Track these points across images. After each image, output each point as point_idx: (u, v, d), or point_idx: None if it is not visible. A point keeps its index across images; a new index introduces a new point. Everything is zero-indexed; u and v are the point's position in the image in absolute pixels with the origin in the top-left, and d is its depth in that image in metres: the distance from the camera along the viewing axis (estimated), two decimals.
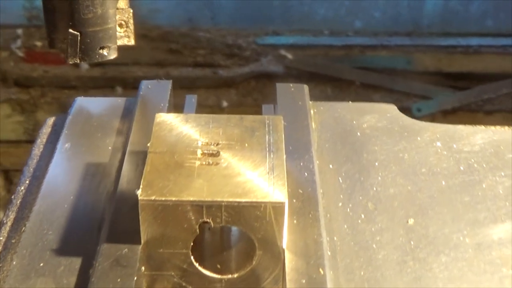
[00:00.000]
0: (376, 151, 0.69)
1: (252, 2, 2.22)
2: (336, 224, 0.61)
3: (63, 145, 0.69)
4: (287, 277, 0.54)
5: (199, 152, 0.59)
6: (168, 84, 0.75)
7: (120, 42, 0.76)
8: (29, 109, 2.19)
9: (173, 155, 0.59)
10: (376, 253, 0.58)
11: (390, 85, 2.13)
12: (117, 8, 0.73)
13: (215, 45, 2.21)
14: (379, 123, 0.73)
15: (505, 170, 0.67)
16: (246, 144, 0.60)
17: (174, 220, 0.55)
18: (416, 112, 2.08)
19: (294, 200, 0.61)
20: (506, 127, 0.72)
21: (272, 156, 0.59)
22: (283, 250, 0.56)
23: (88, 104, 0.75)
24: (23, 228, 0.60)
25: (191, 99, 0.81)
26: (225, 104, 2.16)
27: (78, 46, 0.72)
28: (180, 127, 0.62)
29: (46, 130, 0.73)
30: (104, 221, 0.59)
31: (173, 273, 0.57)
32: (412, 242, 0.59)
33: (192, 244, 0.57)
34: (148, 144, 0.59)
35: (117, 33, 0.75)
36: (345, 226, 0.61)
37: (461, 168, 0.67)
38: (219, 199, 0.54)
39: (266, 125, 0.62)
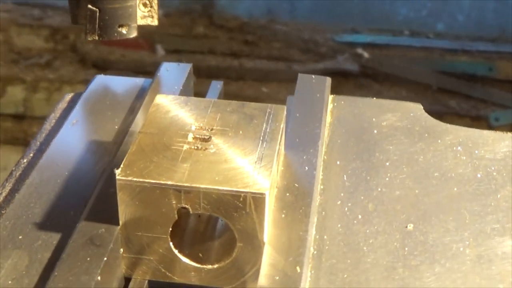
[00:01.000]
0: (389, 151, 0.65)
1: None
2: (330, 223, 0.58)
3: (71, 121, 0.68)
4: (262, 272, 0.52)
5: (190, 136, 0.57)
6: (187, 67, 0.74)
7: (143, 22, 0.75)
8: None
9: (163, 137, 0.57)
10: (366, 256, 0.55)
11: (468, 91, 2.06)
12: None
13: (291, 39, 2.19)
14: (399, 122, 0.69)
15: None
16: (241, 131, 0.58)
17: (152, 203, 0.53)
18: (494, 122, 2.00)
19: (288, 194, 0.58)
20: None
21: (264, 145, 0.56)
22: (264, 244, 0.53)
23: (106, 82, 0.74)
24: (13, 200, 0.59)
25: (216, 86, 0.79)
26: None
27: (97, 23, 0.71)
28: (178, 109, 0.60)
29: (62, 105, 0.73)
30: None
31: (152, 258, 0.56)
32: (406, 248, 0.56)
33: (173, 229, 0.55)
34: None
35: (141, 12, 0.74)
36: (339, 225, 0.58)
37: (478, 175, 0.63)
38: (198, 185, 0.52)
39: (267, 114, 0.60)
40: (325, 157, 0.64)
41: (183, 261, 0.55)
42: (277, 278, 0.51)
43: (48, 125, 0.70)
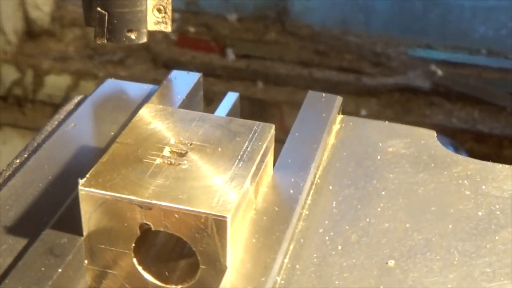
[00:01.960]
0: (388, 179, 0.62)
1: (408, 11, 2.13)
2: (306, 251, 0.55)
3: (68, 124, 0.67)
4: None
5: (166, 149, 0.55)
6: (196, 76, 0.72)
7: (156, 28, 0.73)
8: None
9: (138, 149, 0.55)
10: None
11: None
12: None
13: (363, 51, 2.14)
14: (406, 149, 0.65)
15: None
16: (220, 149, 0.55)
17: (114, 217, 0.52)
18: None
19: (265, 217, 0.55)
20: None
21: (240, 165, 0.54)
22: (226, 268, 0.51)
23: (114, 87, 0.73)
24: None
25: (231, 97, 0.76)
26: (363, 112, 2.09)
27: (105, 26, 0.70)
28: (161, 121, 0.58)
29: (68, 107, 0.72)
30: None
31: (116, 273, 0.54)
32: (381, 287, 0.52)
33: (140, 245, 0.53)
34: None
35: (155, 18, 0.72)
36: (315, 255, 0.54)
37: (479, 213, 0.59)
38: (159, 202, 0.50)
39: (252, 132, 0.57)
40: (318, 180, 0.61)
41: (147, 279, 0.53)
42: None
43: (49, 127, 0.69)
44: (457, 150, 1.71)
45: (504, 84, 2.07)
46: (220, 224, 0.49)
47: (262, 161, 0.56)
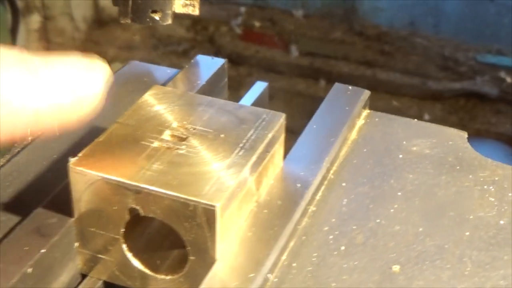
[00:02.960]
0: (407, 180, 0.58)
1: (481, 16, 2.05)
2: (306, 250, 0.51)
3: None
4: (201, 285, 0.46)
5: (167, 133, 0.53)
6: (219, 62, 0.69)
7: (183, 11, 0.71)
8: (234, 86, 2.22)
9: (138, 130, 0.53)
10: None
11: None
12: None
13: (430, 54, 2.08)
14: (431, 149, 0.61)
15: None
16: (223, 135, 0.52)
17: (104, 199, 0.49)
18: None
19: (265, 211, 0.52)
20: None
21: (240, 153, 0.51)
22: (215, 261, 0.48)
23: (138, 69, 0.71)
24: None
25: (260, 86, 0.73)
26: (427, 117, 2.03)
27: (129, 6, 0.68)
28: (167, 103, 0.56)
29: None
30: None
31: (106, 258, 0.52)
32: None
33: (133, 231, 0.51)
34: None
35: (183, 0, 0.70)
36: (315, 254, 0.51)
37: (501, 222, 0.54)
38: (148, 186, 0.48)
39: (260, 120, 0.54)
40: (332, 176, 0.58)
41: (136, 266, 0.51)
42: None
43: None
44: None
45: None
46: (209, 213, 0.47)
47: (267, 151, 0.53)
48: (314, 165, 0.56)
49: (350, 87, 0.65)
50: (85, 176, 0.49)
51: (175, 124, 0.53)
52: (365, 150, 0.61)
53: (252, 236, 0.50)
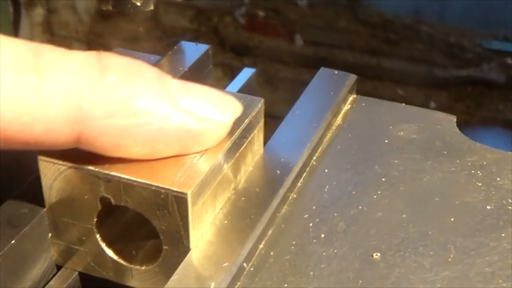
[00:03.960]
0: (392, 165, 0.56)
1: (486, 2, 2.03)
2: (284, 238, 0.50)
3: None
4: (172, 278, 0.45)
5: None
6: (203, 48, 0.67)
7: None
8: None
9: None
10: (308, 283, 0.47)
11: None
12: None
13: (436, 42, 2.06)
14: (418, 134, 0.59)
15: None
16: None
17: (75, 189, 0.48)
18: None
19: (243, 199, 0.51)
20: None
21: None
22: (189, 250, 0.47)
23: (122, 55, 0.69)
24: None
25: (247, 72, 0.72)
26: (433, 105, 2.00)
27: None
28: None
29: None
30: None
31: (81, 249, 0.50)
32: (360, 281, 0.47)
33: (108, 220, 0.50)
34: None
35: None
36: (293, 242, 0.50)
37: (488, 207, 0.52)
38: (118, 174, 0.46)
39: None
40: (314, 163, 0.56)
41: (110, 257, 0.50)
42: None
43: None
44: None
45: None
46: (180, 201, 0.45)
47: (244, 136, 0.51)
48: (296, 151, 0.55)
49: (336, 72, 0.64)
50: (54, 166, 0.48)
51: None
52: (350, 135, 0.59)
53: (228, 225, 0.49)
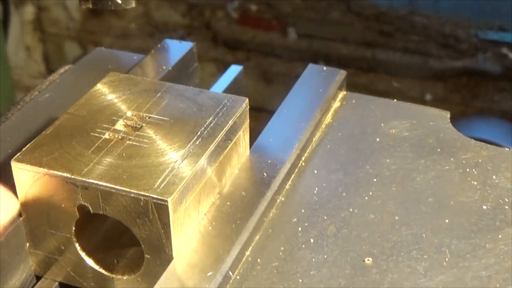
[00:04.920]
0: (384, 165, 0.54)
1: None
2: (272, 244, 0.48)
3: (44, 94, 0.62)
4: (156, 285, 0.43)
5: (120, 123, 0.49)
6: (187, 46, 0.65)
7: None
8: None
9: (88, 121, 0.49)
10: None
11: None
12: None
13: (431, 33, 2.03)
14: (411, 131, 0.57)
15: None
16: (180, 123, 0.49)
17: (52, 196, 0.46)
18: None
19: (228, 203, 0.49)
20: None
21: (198, 142, 0.47)
22: (172, 258, 0.45)
23: (103, 55, 0.68)
24: None
25: (234, 70, 0.70)
26: (428, 97, 1.99)
27: None
28: (122, 91, 0.52)
29: (53, 77, 0.66)
30: None
31: (59, 258, 0.48)
32: None
33: (87, 229, 0.48)
34: None
35: None
36: (282, 248, 0.47)
37: (484, 207, 0.50)
38: (95, 181, 0.44)
39: (221, 105, 0.50)
40: (303, 163, 0.54)
41: (91, 266, 0.48)
42: None
43: (28, 97, 0.64)
44: None
45: None
46: (161, 208, 0.43)
47: (228, 138, 0.49)
48: (283, 152, 0.53)
49: (324, 68, 0.61)
50: (29, 172, 0.45)
51: (129, 113, 0.50)
52: (340, 134, 0.57)
53: (212, 231, 0.46)
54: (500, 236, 0.48)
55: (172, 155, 0.46)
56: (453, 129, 0.57)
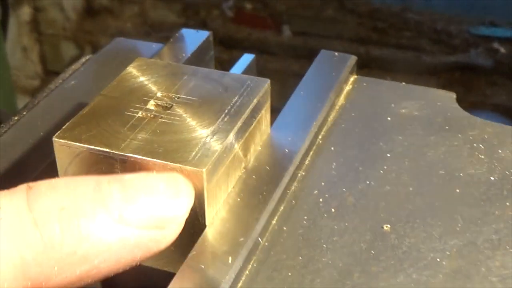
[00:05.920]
0: (396, 141, 0.57)
1: None
2: (296, 213, 0.51)
3: (69, 82, 0.65)
4: (189, 254, 0.46)
5: (151, 102, 0.52)
6: (204, 35, 0.68)
7: None
8: (228, 69, 2.21)
9: (121, 102, 0.52)
10: (322, 255, 0.48)
11: None
12: None
13: (423, 29, 2.07)
14: (420, 111, 0.61)
15: None
16: (208, 102, 0.52)
17: (90, 171, 0.49)
18: None
19: (254, 177, 0.52)
20: None
21: (226, 119, 0.50)
22: (205, 227, 0.48)
23: (123, 45, 0.71)
24: None
25: (247, 58, 0.73)
26: None
27: None
28: (151, 74, 0.55)
29: (75, 66, 0.70)
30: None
31: None
32: (372, 252, 0.48)
33: None
34: None
35: None
36: (305, 217, 0.51)
37: (492, 178, 0.54)
38: (133, 155, 0.47)
39: (245, 86, 0.54)
40: (320, 141, 0.58)
41: None
42: (202, 266, 0.45)
43: (53, 85, 0.67)
44: None
45: None
46: (196, 178, 0.46)
47: (252, 116, 0.52)
48: (302, 131, 0.56)
49: (336, 53, 0.65)
50: (70, 148, 0.49)
51: (159, 94, 0.53)
52: (353, 114, 0.60)
53: (241, 202, 0.50)
54: (507, 203, 0.52)
55: (202, 131, 0.49)
56: (460, 108, 0.61)
